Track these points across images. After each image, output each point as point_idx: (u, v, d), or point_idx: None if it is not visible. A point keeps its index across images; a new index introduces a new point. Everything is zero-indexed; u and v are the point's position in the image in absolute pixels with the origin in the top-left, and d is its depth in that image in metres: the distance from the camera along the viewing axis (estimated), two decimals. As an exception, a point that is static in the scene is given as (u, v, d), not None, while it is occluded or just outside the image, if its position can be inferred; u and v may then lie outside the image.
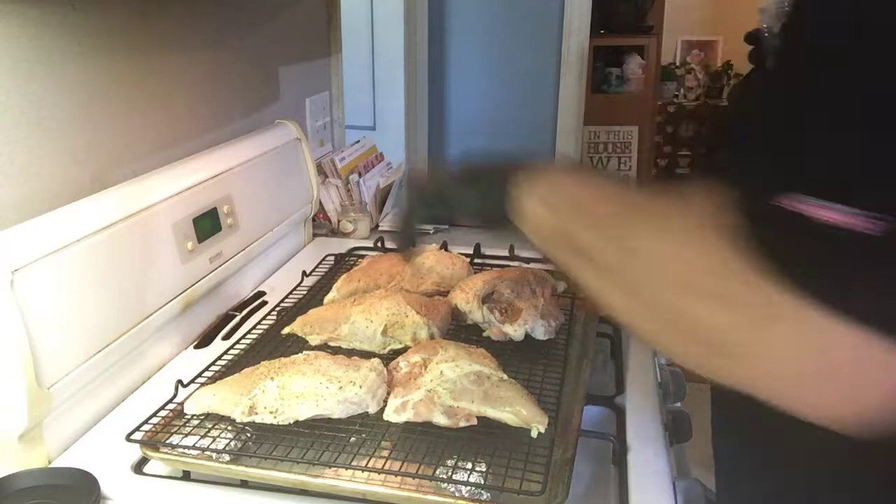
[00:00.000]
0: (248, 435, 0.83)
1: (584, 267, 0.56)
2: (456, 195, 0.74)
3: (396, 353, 0.94)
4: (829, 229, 0.39)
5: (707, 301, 0.46)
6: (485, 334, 1.03)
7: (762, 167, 0.44)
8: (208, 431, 0.83)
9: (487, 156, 0.74)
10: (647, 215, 0.53)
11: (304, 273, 1.27)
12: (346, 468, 0.76)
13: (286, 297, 1.19)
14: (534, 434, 0.78)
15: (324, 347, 1.00)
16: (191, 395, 0.87)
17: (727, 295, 0.45)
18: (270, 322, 1.10)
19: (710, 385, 0.61)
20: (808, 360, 0.42)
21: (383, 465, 0.76)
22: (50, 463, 0.84)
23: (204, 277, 1.11)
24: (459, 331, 1.05)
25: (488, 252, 1.36)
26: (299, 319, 1.05)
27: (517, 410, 0.80)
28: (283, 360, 0.89)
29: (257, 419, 0.81)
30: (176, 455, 0.80)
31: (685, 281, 0.47)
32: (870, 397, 0.42)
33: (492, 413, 0.80)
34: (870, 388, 0.42)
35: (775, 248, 0.42)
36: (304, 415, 0.81)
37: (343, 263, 1.35)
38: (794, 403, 0.44)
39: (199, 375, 0.93)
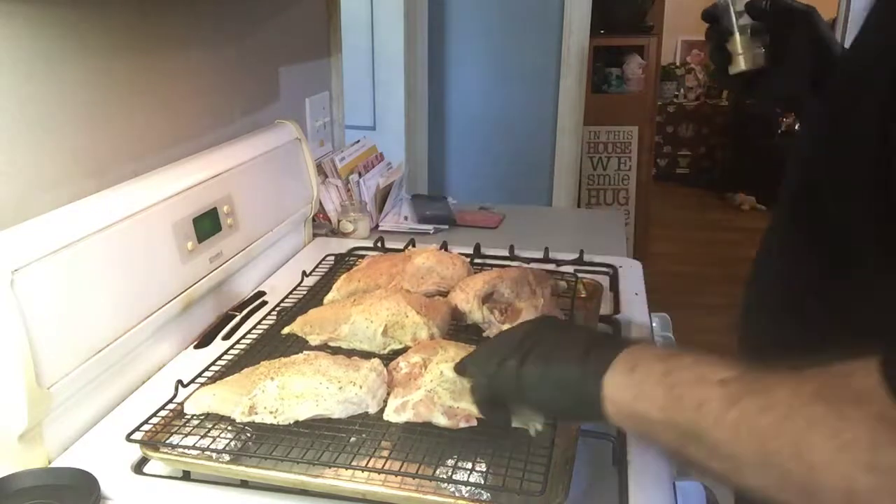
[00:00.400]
0: (248, 435, 0.83)
1: (697, 449, 0.53)
2: (514, 381, 0.68)
3: (396, 353, 0.94)
4: None
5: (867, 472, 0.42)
6: (485, 334, 1.03)
7: None
8: (208, 431, 0.83)
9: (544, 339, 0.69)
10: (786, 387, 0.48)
11: (304, 273, 1.27)
12: (346, 468, 0.76)
13: (286, 297, 1.19)
14: (531, 432, 0.78)
15: (324, 347, 1.00)
16: (191, 395, 0.87)
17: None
18: (270, 322, 1.10)
19: None
20: None
21: (383, 466, 0.76)
22: (50, 463, 0.84)
23: (204, 277, 1.11)
24: (459, 331, 1.05)
25: (488, 252, 1.36)
26: (299, 319, 1.05)
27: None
28: (283, 360, 0.89)
29: (257, 419, 0.81)
30: (176, 455, 0.80)
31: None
32: None
33: (492, 413, 0.80)
34: None
35: None
36: (304, 415, 0.81)
37: (343, 263, 1.35)
38: None
39: (199, 375, 0.93)
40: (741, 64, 0.87)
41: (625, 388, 0.59)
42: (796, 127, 4.24)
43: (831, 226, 0.66)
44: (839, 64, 0.82)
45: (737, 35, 0.86)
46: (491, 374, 0.71)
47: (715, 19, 0.89)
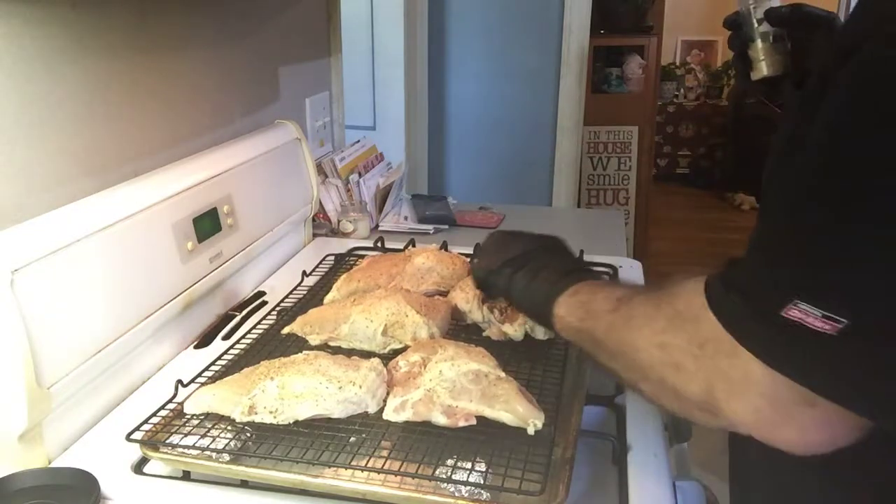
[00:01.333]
0: (248, 435, 0.83)
1: (599, 352, 0.73)
2: (506, 284, 0.91)
3: (396, 353, 0.94)
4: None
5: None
6: (484, 334, 1.03)
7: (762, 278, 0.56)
8: (208, 431, 0.83)
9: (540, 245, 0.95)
10: (640, 310, 0.69)
11: (304, 273, 1.27)
12: (346, 468, 0.76)
13: (286, 297, 1.19)
14: (530, 431, 0.78)
15: (324, 347, 1.00)
16: (191, 394, 0.87)
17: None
18: (270, 322, 1.10)
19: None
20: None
21: (383, 465, 0.76)
22: (50, 463, 0.84)
23: (204, 277, 1.11)
24: (459, 331, 1.05)
25: (488, 252, 1.36)
26: (299, 319, 1.05)
27: (513, 408, 0.79)
28: (283, 359, 0.89)
29: (257, 419, 0.81)
30: (176, 455, 0.80)
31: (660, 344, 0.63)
32: (787, 426, 0.55)
33: (489, 413, 0.80)
34: (788, 419, 0.55)
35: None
36: (303, 415, 0.81)
37: (343, 263, 1.35)
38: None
39: (199, 375, 0.93)
40: (763, 70, 0.87)
41: (566, 308, 0.79)
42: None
43: None
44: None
45: (758, 42, 0.87)
46: (491, 272, 0.93)
47: (737, 26, 0.90)
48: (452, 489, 0.75)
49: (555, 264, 0.88)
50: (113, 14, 1.02)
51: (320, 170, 1.67)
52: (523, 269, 0.89)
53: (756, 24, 0.87)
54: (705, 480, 0.88)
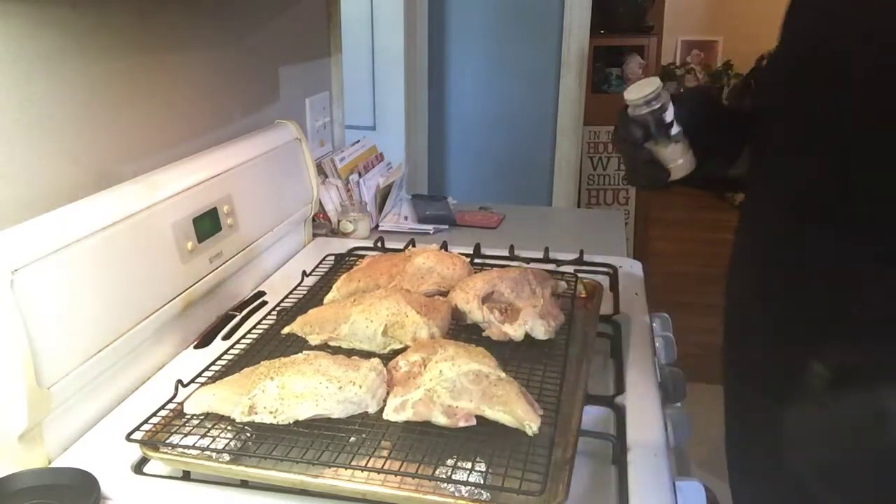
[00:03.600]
0: (248, 435, 0.83)
1: None
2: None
3: (396, 353, 0.94)
4: None
5: None
6: (485, 334, 1.03)
7: None
8: (208, 431, 0.83)
9: None
10: None
11: (304, 273, 1.27)
12: (346, 468, 0.76)
13: (286, 297, 1.19)
14: (528, 433, 0.78)
15: (324, 347, 1.00)
16: (191, 394, 0.87)
17: None
18: (270, 322, 1.10)
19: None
20: None
21: (383, 465, 0.76)
22: (50, 463, 0.84)
23: (204, 277, 1.11)
24: (459, 331, 1.05)
25: (488, 252, 1.36)
26: (299, 319, 1.05)
27: (511, 409, 0.79)
28: (283, 359, 0.89)
29: (257, 419, 0.81)
30: (176, 455, 0.80)
31: None
32: None
33: (489, 413, 0.80)
34: None
35: None
36: (303, 415, 0.81)
37: (343, 263, 1.35)
38: None
39: (199, 375, 0.93)
40: (686, 166, 0.88)
41: None
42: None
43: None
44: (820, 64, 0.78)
45: (671, 145, 0.86)
46: None
47: (641, 135, 0.86)
48: (452, 489, 0.75)
49: None
50: (113, 14, 1.02)
51: (320, 170, 1.67)
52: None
53: (666, 128, 0.85)
54: (705, 480, 0.88)
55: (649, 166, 0.88)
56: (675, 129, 0.86)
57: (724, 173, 0.97)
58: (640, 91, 0.84)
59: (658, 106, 0.85)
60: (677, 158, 0.87)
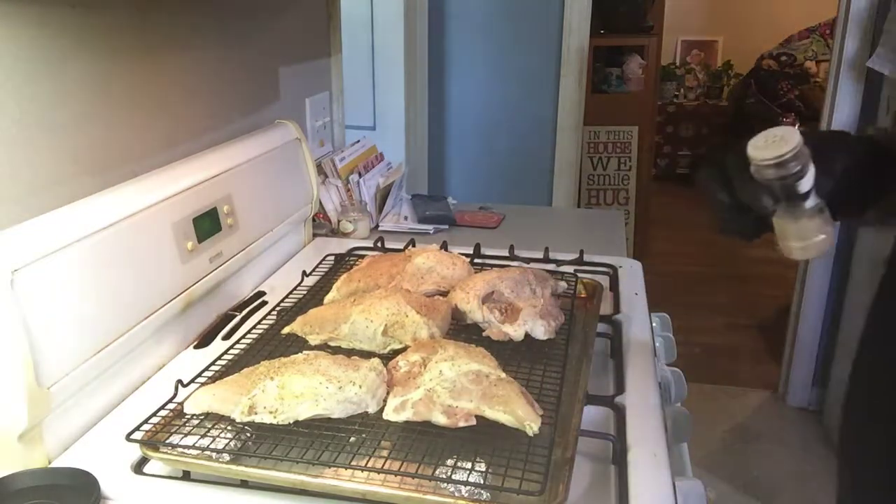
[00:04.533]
0: (248, 435, 0.83)
1: None
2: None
3: (396, 353, 0.94)
4: None
5: None
6: (485, 334, 1.03)
7: None
8: (208, 431, 0.83)
9: None
10: None
11: (304, 273, 1.27)
12: (346, 468, 0.76)
13: (286, 297, 1.19)
14: (529, 433, 0.78)
15: (324, 347, 1.00)
16: (191, 394, 0.87)
17: None
18: (270, 322, 1.10)
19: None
20: None
21: (383, 465, 0.76)
22: (50, 463, 0.84)
23: (204, 277, 1.11)
24: (459, 331, 1.05)
25: (488, 252, 1.36)
26: (299, 319, 1.05)
27: (511, 409, 0.79)
28: (283, 359, 0.89)
29: (257, 419, 0.81)
30: (176, 455, 0.80)
31: None
32: None
33: (489, 413, 0.80)
34: None
35: None
36: (303, 414, 0.81)
37: (343, 263, 1.35)
38: None
39: (199, 375, 0.93)
40: (817, 250, 0.65)
41: None
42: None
43: None
44: None
45: (804, 220, 0.64)
46: None
47: (761, 195, 0.65)
48: (452, 489, 0.75)
49: None
50: (113, 14, 1.02)
51: (320, 170, 1.67)
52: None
53: (800, 198, 0.64)
54: (705, 480, 0.88)
55: (753, 222, 0.68)
56: (811, 202, 0.64)
57: (869, 207, 0.73)
58: (774, 149, 0.61)
59: (796, 170, 0.62)
60: (810, 236, 0.64)
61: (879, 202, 0.71)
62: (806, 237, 0.64)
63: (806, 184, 0.63)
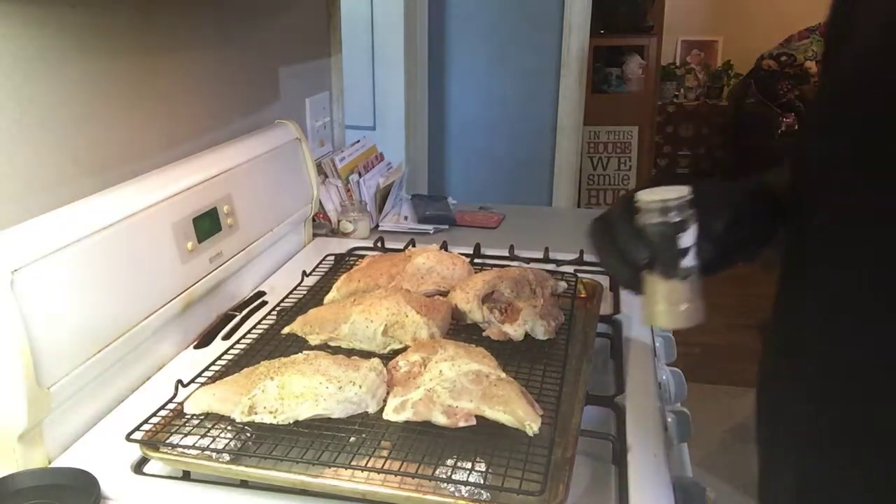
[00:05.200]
0: (248, 435, 0.83)
1: None
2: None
3: (397, 353, 0.94)
4: None
5: None
6: (485, 334, 1.03)
7: None
8: (208, 431, 0.83)
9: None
10: None
11: (304, 273, 1.27)
12: (346, 468, 0.76)
13: (286, 297, 1.19)
14: (529, 433, 0.78)
15: (324, 347, 1.00)
16: (191, 394, 0.87)
17: None
18: (270, 322, 1.10)
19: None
20: None
21: (383, 465, 0.76)
22: (50, 463, 0.84)
23: (204, 277, 1.11)
24: (459, 331, 1.05)
25: (488, 252, 1.36)
26: (299, 319, 1.05)
27: (512, 410, 0.79)
28: (283, 359, 0.89)
29: (257, 419, 0.81)
30: (176, 455, 0.80)
31: None
32: None
33: (489, 413, 0.80)
34: None
35: None
36: (303, 414, 0.81)
37: (343, 263, 1.35)
38: None
39: (199, 375, 0.93)
40: (682, 321, 0.64)
41: None
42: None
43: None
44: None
45: (676, 282, 0.63)
46: None
47: (640, 248, 0.64)
48: (452, 489, 0.75)
49: None
50: (113, 14, 1.02)
51: (320, 170, 1.67)
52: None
53: (678, 255, 0.63)
54: (705, 480, 0.88)
55: (633, 280, 0.66)
56: (689, 261, 0.63)
57: (752, 258, 0.73)
58: (661, 194, 0.63)
59: (677, 220, 0.63)
60: (680, 302, 0.64)
61: (766, 247, 0.73)
62: (675, 301, 0.64)
63: (686, 240, 0.63)
